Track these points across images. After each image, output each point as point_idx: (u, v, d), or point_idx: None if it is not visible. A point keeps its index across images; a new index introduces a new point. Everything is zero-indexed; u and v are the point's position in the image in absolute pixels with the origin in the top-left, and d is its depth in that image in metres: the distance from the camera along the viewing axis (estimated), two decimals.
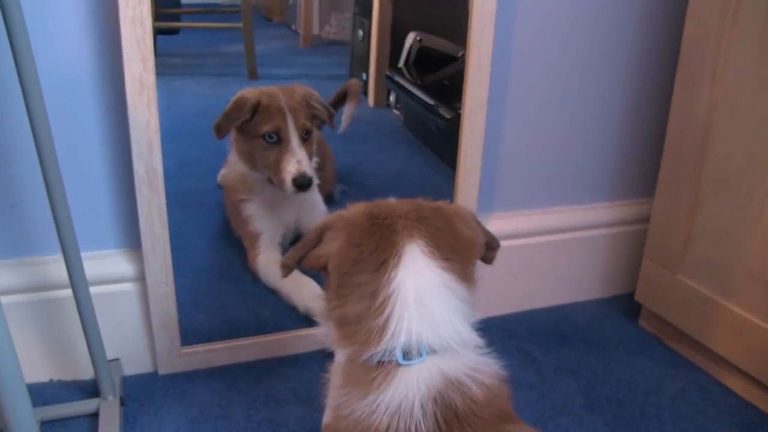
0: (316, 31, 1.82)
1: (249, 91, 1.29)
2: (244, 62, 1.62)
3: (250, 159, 1.29)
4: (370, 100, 1.79)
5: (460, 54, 1.70)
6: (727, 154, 1.14)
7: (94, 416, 1.04)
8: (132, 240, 1.12)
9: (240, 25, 1.62)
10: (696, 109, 1.18)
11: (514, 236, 1.37)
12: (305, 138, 1.27)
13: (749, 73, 1.09)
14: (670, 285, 1.27)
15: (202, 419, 1.06)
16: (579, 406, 1.12)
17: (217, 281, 1.34)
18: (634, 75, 1.36)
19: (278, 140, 1.25)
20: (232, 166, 1.36)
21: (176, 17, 1.78)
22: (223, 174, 1.43)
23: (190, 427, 1.04)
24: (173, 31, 1.70)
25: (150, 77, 0.99)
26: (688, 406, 1.14)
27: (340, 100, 1.62)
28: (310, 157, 1.27)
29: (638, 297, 1.36)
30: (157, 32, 1.54)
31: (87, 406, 1.05)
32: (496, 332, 1.33)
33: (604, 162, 1.41)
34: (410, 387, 0.62)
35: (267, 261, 1.32)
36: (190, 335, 1.18)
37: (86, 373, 1.13)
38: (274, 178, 1.25)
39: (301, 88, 1.34)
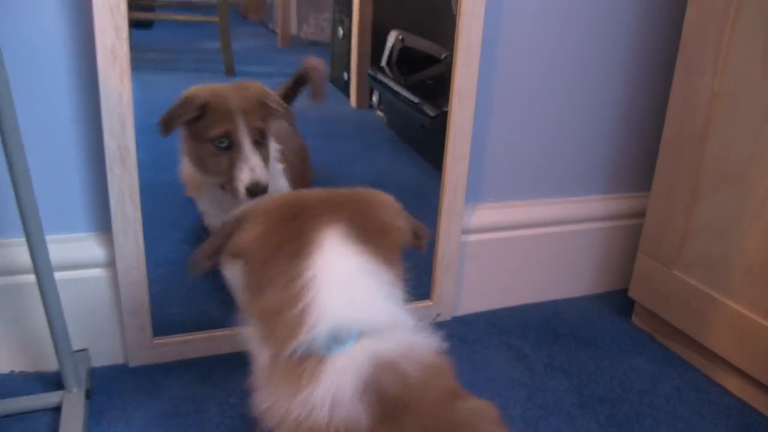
0: (294, 31, 1.80)
1: (199, 89, 1.19)
2: (221, 58, 1.59)
3: (200, 163, 1.19)
4: (353, 101, 1.75)
5: (443, 56, 1.68)
6: (729, 147, 1.10)
7: (58, 410, 0.97)
8: (104, 223, 1.06)
9: (216, 19, 1.58)
10: (696, 100, 1.14)
11: (502, 228, 1.32)
12: (259, 141, 1.18)
13: (754, 62, 1.04)
14: (665, 281, 1.23)
15: (174, 413, 1.00)
16: (571, 405, 1.08)
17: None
18: (631, 63, 1.31)
19: (229, 145, 1.15)
20: (185, 163, 1.29)
21: (150, 10, 1.76)
22: (179, 169, 1.36)
23: (160, 422, 0.98)
24: (147, 25, 1.70)
25: (123, 47, 0.93)
26: (683, 406, 1.09)
27: (298, 84, 1.55)
28: (266, 162, 1.19)
29: (632, 293, 1.32)
30: (131, 25, 1.51)
31: (50, 398, 0.99)
32: (484, 327, 1.28)
33: (597, 153, 1.36)
34: (342, 377, 0.58)
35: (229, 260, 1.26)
36: (163, 327, 1.11)
37: (52, 364, 1.06)
38: (226, 186, 1.16)
39: (256, 86, 1.25)
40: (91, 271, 1.05)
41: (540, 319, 1.33)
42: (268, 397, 0.61)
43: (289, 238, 0.63)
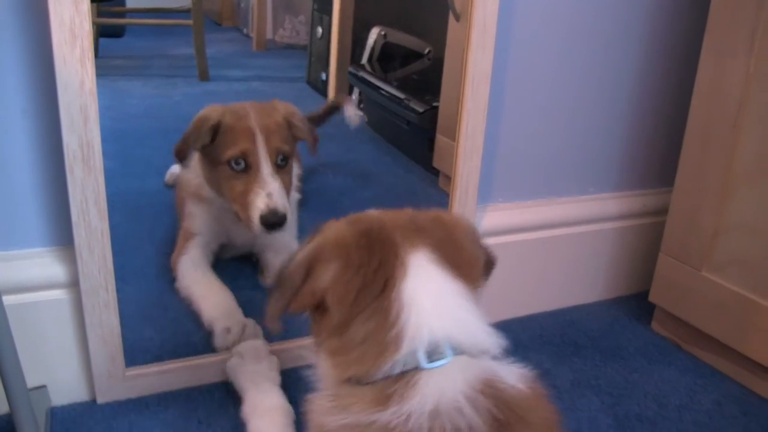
0: (269, 35, 1.77)
1: (212, 109, 1.07)
2: (194, 64, 1.55)
3: (216, 186, 1.08)
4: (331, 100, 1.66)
5: (426, 51, 1.58)
6: (765, 135, 1.00)
7: None
8: (63, 236, 0.89)
9: (190, 22, 1.51)
10: (728, 83, 1.04)
11: (512, 231, 1.20)
12: (281, 165, 1.05)
13: None
14: (693, 284, 1.12)
15: None
16: (607, 426, 0.96)
17: (167, 290, 1.15)
18: (649, 45, 1.21)
19: (246, 167, 1.03)
20: (195, 172, 1.15)
21: (121, 16, 1.67)
22: (180, 173, 1.22)
23: None
24: (117, 35, 1.63)
25: (84, 24, 0.77)
26: (727, 422, 0.99)
27: (326, 115, 1.47)
28: (287, 189, 1.06)
29: (653, 297, 1.21)
30: (100, 34, 1.41)
31: None
32: None
33: (611, 148, 1.26)
34: (445, 386, 0.55)
35: (190, 263, 1.13)
36: (136, 354, 0.96)
37: (1, 406, 0.89)
38: (240, 214, 1.05)
39: (284, 105, 1.12)
40: (48, 293, 0.89)
41: (556, 329, 1.22)
42: (341, 417, 0.57)
43: (375, 270, 0.60)
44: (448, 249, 0.63)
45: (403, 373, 0.56)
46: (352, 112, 1.43)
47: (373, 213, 0.67)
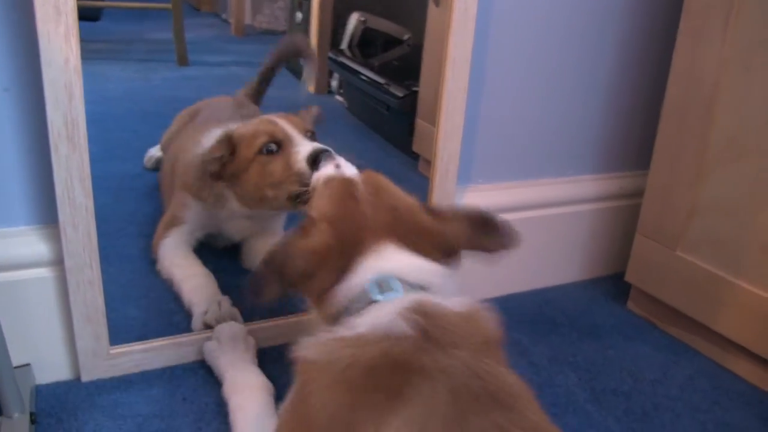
0: (248, 20, 1.78)
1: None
2: (173, 48, 1.56)
3: (258, 193, 1.05)
4: (311, 86, 1.65)
5: (405, 37, 1.59)
6: (740, 118, 1.03)
7: None
8: (47, 214, 0.89)
9: (169, 5, 1.52)
10: (703, 67, 1.07)
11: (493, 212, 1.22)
12: (312, 138, 1.07)
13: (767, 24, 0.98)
14: (668, 263, 1.15)
15: None
16: (584, 400, 0.99)
17: (150, 271, 1.16)
18: (626, 30, 1.23)
19: (278, 148, 1.03)
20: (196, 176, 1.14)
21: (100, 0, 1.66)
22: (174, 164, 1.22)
23: None
24: (94, 18, 1.63)
25: (69, 1, 0.77)
26: (699, 395, 1.02)
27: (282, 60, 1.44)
28: None
29: (629, 277, 1.24)
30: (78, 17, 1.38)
31: None
32: None
33: (588, 130, 1.28)
34: (387, 308, 0.64)
35: (171, 247, 1.14)
36: (120, 333, 0.96)
37: None
38: (291, 186, 1.01)
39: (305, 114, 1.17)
40: (32, 271, 0.88)
41: (533, 308, 1.24)
42: (311, 342, 0.66)
43: (348, 247, 0.71)
44: (413, 238, 0.72)
45: (360, 308, 0.67)
46: (310, 68, 1.47)
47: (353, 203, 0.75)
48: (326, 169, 0.83)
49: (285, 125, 1.05)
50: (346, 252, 0.70)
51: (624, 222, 1.35)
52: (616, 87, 1.27)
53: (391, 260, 0.70)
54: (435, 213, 0.77)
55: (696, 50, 1.07)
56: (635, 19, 1.23)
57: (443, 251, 0.74)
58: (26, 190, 0.88)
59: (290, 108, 1.46)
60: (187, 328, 1.02)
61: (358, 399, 0.59)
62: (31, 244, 0.88)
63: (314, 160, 0.97)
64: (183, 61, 1.67)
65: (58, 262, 0.89)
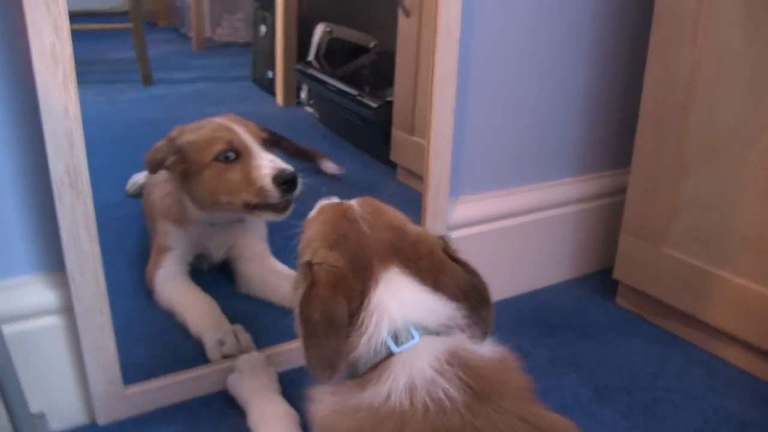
0: (207, 33, 1.74)
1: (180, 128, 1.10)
2: (136, 68, 1.52)
3: (209, 194, 1.07)
4: (279, 99, 1.67)
5: (372, 45, 1.61)
6: (714, 118, 1.08)
7: None
8: (51, 261, 0.89)
9: (130, 26, 1.48)
10: (676, 71, 1.11)
11: (483, 221, 1.25)
12: (267, 148, 1.08)
13: (735, 27, 1.03)
14: (654, 259, 1.20)
15: None
16: (588, 399, 1.02)
17: (147, 304, 1.15)
18: (600, 41, 1.28)
19: (236, 156, 1.05)
20: (168, 194, 1.16)
21: None
22: (149, 192, 1.23)
23: None
24: None
25: (65, 49, 0.77)
26: (695, 384, 1.07)
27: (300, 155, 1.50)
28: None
29: (617, 275, 1.29)
30: None
31: None
32: None
33: (569, 136, 1.32)
34: (414, 362, 0.61)
35: (167, 277, 1.14)
36: (128, 372, 0.96)
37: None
38: (249, 197, 1.04)
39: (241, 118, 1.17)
40: (40, 319, 0.88)
41: (529, 311, 1.28)
42: (331, 403, 0.63)
43: (355, 285, 0.66)
44: (415, 260, 0.69)
45: (381, 361, 0.63)
46: (328, 166, 1.46)
47: (355, 228, 0.71)
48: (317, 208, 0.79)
49: (243, 134, 1.06)
50: (358, 273, 0.66)
51: (607, 219, 1.40)
52: (592, 94, 1.31)
53: (402, 296, 0.65)
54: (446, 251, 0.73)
55: (668, 56, 1.12)
56: (607, 32, 1.28)
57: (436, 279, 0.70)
58: (28, 238, 0.87)
59: (257, 121, 1.47)
60: (195, 359, 1.02)
61: None
62: (37, 292, 0.88)
63: (281, 182, 1.01)
64: (148, 80, 1.65)
65: (66, 308, 0.88)
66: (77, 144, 0.80)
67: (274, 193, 1.02)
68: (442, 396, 0.57)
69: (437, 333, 0.64)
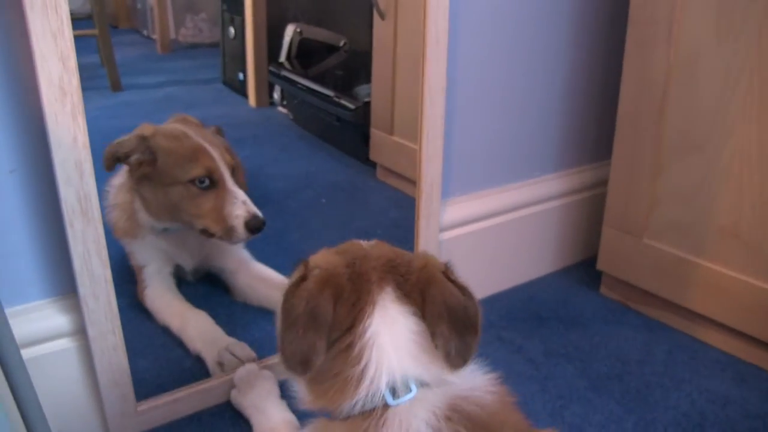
0: (172, 35, 1.73)
1: (147, 127, 1.10)
2: (102, 74, 1.48)
3: (168, 208, 1.10)
4: (252, 100, 1.67)
5: (341, 43, 1.63)
6: (690, 114, 1.14)
7: None
8: (62, 285, 0.90)
9: (95, 31, 1.45)
10: (652, 71, 1.17)
11: (472, 221, 1.29)
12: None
13: (707, 30, 1.08)
14: (636, 250, 1.26)
15: None
16: (584, 389, 1.08)
17: (146, 317, 1.16)
18: (578, 45, 1.33)
19: (210, 184, 1.07)
20: (117, 205, 1.16)
21: None
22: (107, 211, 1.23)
23: None
24: None
25: (73, 80, 0.78)
26: (681, 368, 1.13)
27: None
28: None
29: (600, 266, 1.35)
30: None
31: None
32: None
33: (550, 134, 1.37)
34: (410, 419, 0.60)
35: (154, 295, 1.16)
36: (137, 389, 0.97)
37: None
38: (213, 228, 1.08)
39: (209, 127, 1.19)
40: (53, 343, 0.90)
41: (519, 304, 1.33)
42: None
43: (351, 306, 0.65)
44: (407, 274, 0.67)
45: (372, 410, 0.61)
46: None
47: (358, 245, 0.71)
48: None
49: (220, 163, 1.08)
50: (354, 281, 0.66)
51: (588, 212, 1.45)
52: (570, 93, 1.36)
53: (398, 338, 0.64)
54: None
55: (644, 57, 1.17)
56: (586, 29, 1.32)
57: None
58: (39, 265, 0.88)
59: (232, 124, 1.47)
60: (200, 372, 1.05)
61: None
62: (49, 317, 0.89)
63: (253, 229, 1.06)
64: (116, 86, 1.62)
65: (78, 330, 0.90)
66: (87, 172, 0.82)
67: (242, 236, 1.07)
68: None
69: (433, 385, 0.63)
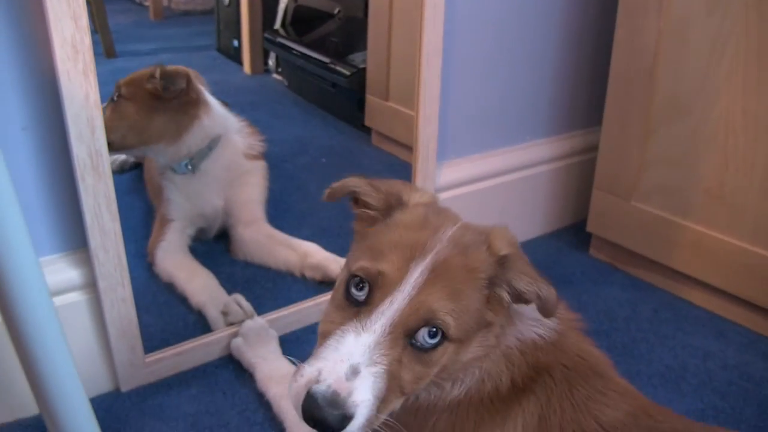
0: (165, 2, 1.73)
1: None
2: (97, 40, 1.49)
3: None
4: (247, 67, 1.68)
5: (336, 11, 1.64)
6: (678, 82, 1.17)
7: None
8: (74, 240, 0.93)
9: None
10: (642, 39, 1.20)
11: (466, 183, 1.33)
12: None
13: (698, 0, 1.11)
14: (625, 213, 1.31)
15: None
16: None
17: (149, 275, 1.19)
18: (571, 7, 1.35)
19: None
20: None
21: None
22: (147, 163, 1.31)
23: None
24: None
25: (85, 39, 0.80)
26: (665, 325, 1.19)
27: None
28: None
29: (590, 228, 1.39)
30: None
31: None
32: None
33: (541, 99, 1.40)
34: None
35: (167, 249, 1.20)
36: (143, 343, 1.01)
37: (28, 409, 0.93)
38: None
39: None
40: (66, 296, 0.93)
41: None
42: None
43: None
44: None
45: None
46: None
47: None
48: None
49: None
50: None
51: (577, 176, 1.49)
52: (561, 60, 1.39)
53: None
54: None
55: (635, 24, 1.20)
56: (577, 4, 1.35)
57: None
58: (51, 220, 0.91)
59: (227, 91, 1.49)
60: (202, 328, 1.09)
61: None
62: (61, 271, 0.92)
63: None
64: (111, 53, 1.63)
65: (89, 284, 0.93)
66: (98, 128, 0.84)
67: None
68: None
69: None
